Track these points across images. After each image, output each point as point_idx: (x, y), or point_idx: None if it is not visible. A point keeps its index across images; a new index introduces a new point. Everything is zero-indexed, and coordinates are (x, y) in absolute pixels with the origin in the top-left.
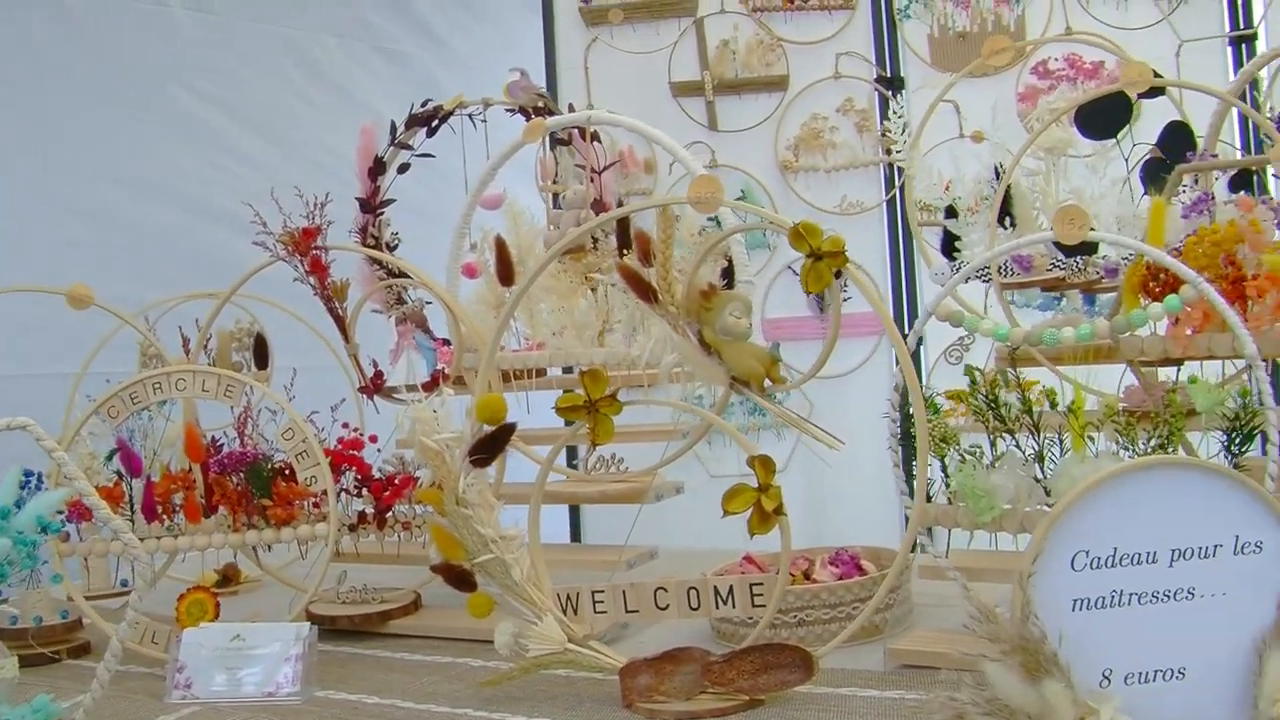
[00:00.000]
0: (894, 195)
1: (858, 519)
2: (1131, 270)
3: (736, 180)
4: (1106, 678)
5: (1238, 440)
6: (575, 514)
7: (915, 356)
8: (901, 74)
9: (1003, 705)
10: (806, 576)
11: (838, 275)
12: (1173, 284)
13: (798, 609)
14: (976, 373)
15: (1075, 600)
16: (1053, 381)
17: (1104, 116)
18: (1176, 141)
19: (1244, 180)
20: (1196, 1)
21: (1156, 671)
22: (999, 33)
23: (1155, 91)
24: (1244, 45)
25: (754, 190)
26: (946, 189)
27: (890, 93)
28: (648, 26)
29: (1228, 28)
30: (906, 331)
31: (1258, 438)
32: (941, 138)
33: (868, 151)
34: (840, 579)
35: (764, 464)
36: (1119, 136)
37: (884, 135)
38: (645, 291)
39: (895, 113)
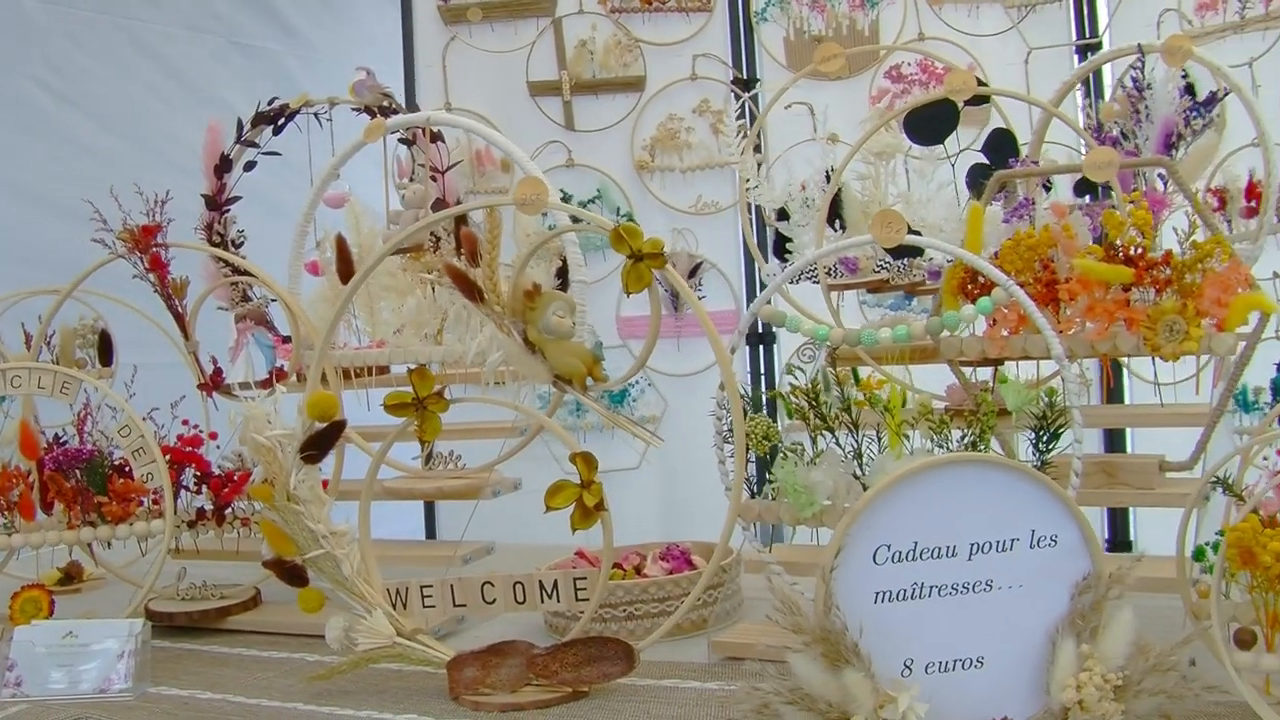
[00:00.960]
0: None
1: (712, 516)
2: (950, 272)
3: (593, 180)
4: (908, 667)
5: (1045, 438)
6: (430, 511)
7: (769, 356)
8: (757, 76)
9: (805, 694)
10: (638, 571)
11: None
12: (990, 286)
13: (626, 603)
14: (798, 372)
15: (877, 593)
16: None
17: (931, 122)
18: (1000, 148)
19: (1089, 185)
20: (1045, 10)
21: (956, 661)
22: (853, 37)
23: (980, 99)
24: (1089, 53)
25: (610, 190)
26: (802, 190)
27: (746, 94)
28: (506, 26)
29: (1074, 36)
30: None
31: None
32: (796, 139)
33: (723, 152)
34: (670, 574)
35: (586, 460)
36: (946, 142)
37: (741, 137)
38: (471, 291)
39: (734, 114)
